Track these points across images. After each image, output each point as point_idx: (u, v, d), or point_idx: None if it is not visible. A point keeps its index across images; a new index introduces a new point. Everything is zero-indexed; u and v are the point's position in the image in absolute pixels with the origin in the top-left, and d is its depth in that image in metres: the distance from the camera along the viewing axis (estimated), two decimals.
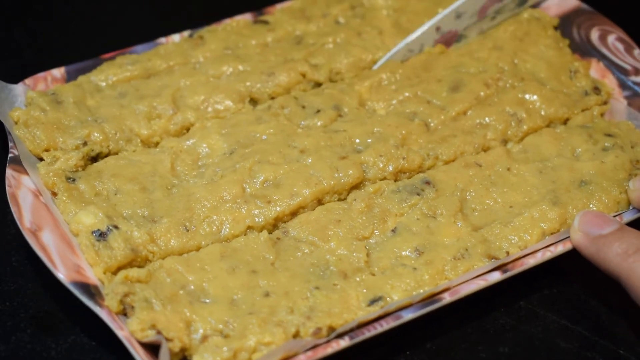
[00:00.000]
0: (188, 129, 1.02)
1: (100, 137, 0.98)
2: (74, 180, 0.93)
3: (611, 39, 1.14)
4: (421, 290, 0.85)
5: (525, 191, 0.95)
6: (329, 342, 0.81)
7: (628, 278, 0.83)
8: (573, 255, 0.89)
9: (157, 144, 1.01)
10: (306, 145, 0.98)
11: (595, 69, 1.12)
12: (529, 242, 0.90)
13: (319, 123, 1.02)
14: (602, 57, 1.13)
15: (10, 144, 0.96)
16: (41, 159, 0.96)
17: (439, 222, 0.91)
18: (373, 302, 0.84)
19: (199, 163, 0.98)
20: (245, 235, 0.91)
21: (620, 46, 1.13)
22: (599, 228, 0.87)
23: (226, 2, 1.29)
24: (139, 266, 0.87)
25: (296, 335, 0.81)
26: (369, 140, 0.99)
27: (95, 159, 0.99)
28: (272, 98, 1.07)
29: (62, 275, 0.83)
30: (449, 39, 1.13)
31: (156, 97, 1.03)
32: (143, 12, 1.31)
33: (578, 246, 0.88)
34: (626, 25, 1.15)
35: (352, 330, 0.82)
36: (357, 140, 1.00)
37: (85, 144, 0.98)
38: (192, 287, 0.84)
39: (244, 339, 0.80)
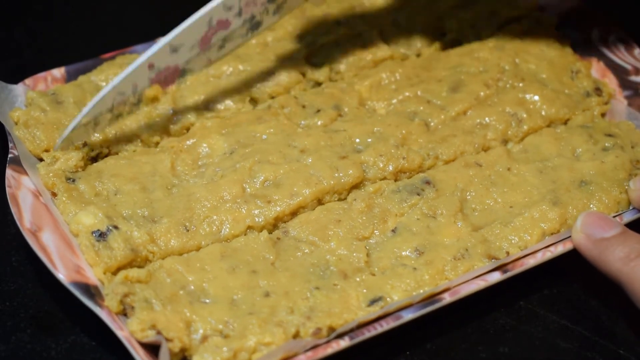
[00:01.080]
0: (188, 129, 1.02)
1: (100, 137, 0.98)
2: (73, 180, 0.93)
3: (611, 38, 1.14)
4: (421, 291, 0.85)
5: (525, 191, 0.95)
6: (329, 342, 0.81)
7: (629, 282, 0.82)
8: (573, 256, 0.89)
9: (157, 143, 1.01)
10: (306, 145, 0.98)
11: (596, 68, 1.12)
12: (529, 242, 0.90)
13: (319, 123, 1.02)
14: (602, 56, 1.12)
15: (10, 145, 0.96)
16: (41, 160, 0.96)
17: (439, 222, 0.91)
18: (373, 302, 0.84)
19: (199, 163, 0.97)
20: (245, 235, 0.91)
21: (620, 46, 1.13)
22: (601, 230, 0.87)
23: None
24: (139, 266, 0.87)
25: (296, 335, 0.81)
26: (369, 140, 0.99)
27: (95, 159, 0.98)
28: (272, 97, 1.07)
29: (62, 275, 0.83)
30: (169, 76, 1.01)
31: None
32: (143, 12, 1.31)
33: (580, 247, 0.88)
34: (626, 25, 1.15)
35: (352, 330, 0.82)
36: (357, 140, 1.00)
37: (85, 144, 0.97)
38: (192, 287, 0.84)
39: (244, 339, 0.80)
